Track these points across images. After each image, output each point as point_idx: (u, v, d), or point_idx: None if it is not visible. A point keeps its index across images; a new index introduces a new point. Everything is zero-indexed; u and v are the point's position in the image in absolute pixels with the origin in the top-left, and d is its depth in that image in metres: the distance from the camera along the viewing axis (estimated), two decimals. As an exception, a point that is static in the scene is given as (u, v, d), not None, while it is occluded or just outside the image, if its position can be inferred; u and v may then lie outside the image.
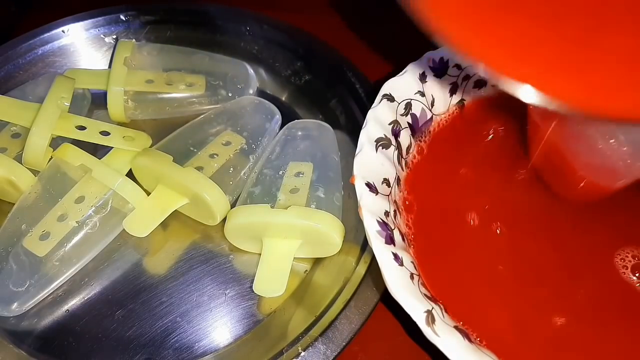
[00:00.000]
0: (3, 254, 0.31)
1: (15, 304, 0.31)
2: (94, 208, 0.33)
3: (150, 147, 0.36)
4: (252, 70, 0.42)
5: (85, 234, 0.33)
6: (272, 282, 0.31)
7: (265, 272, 0.32)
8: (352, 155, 0.30)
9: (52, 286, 0.32)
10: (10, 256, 0.31)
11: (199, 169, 0.34)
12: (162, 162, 0.33)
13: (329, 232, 0.31)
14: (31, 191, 0.33)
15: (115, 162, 0.35)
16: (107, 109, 0.39)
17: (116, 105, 0.39)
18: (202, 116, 0.38)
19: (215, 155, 0.35)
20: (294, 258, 0.33)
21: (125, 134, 0.36)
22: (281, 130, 0.38)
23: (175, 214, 0.35)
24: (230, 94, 0.41)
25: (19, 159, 0.34)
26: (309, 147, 0.36)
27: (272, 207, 0.32)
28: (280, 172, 0.34)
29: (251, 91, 0.41)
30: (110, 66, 0.40)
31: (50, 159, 0.35)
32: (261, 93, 0.43)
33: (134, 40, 0.41)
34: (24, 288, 0.31)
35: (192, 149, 0.35)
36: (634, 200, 0.32)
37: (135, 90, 0.39)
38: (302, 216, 0.31)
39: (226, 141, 0.36)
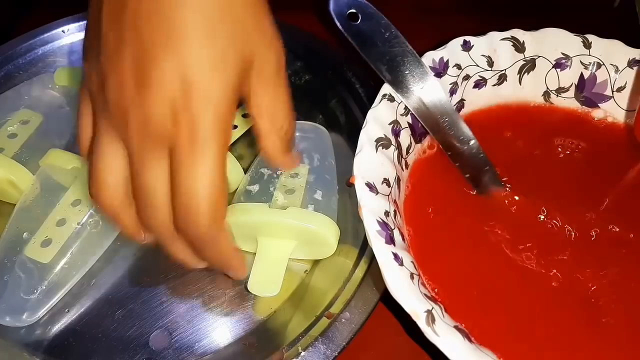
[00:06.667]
0: (8, 265, 0.31)
1: (26, 313, 0.30)
2: (93, 208, 0.33)
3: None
4: None
5: (90, 234, 0.32)
6: (267, 282, 0.32)
7: (260, 272, 0.32)
8: (351, 156, 0.30)
9: (63, 290, 0.32)
10: (16, 266, 0.31)
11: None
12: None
13: (326, 234, 0.31)
14: (26, 199, 0.33)
15: None
16: None
17: None
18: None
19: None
20: (294, 258, 0.33)
21: None
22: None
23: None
24: None
25: (16, 158, 0.34)
26: (305, 149, 0.36)
27: (269, 206, 0.32)
28: (277, 172, 0.34)
29: None
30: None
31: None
32: (261, 93, 0.43)
33: None
34: (35, 295, 0.31)
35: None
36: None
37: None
38: (299, 217, 0.31)
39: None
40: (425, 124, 0.32)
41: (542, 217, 0.32)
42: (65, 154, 0.34)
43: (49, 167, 0.34)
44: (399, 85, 0.32)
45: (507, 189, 0.33)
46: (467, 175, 0.33)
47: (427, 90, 0.32)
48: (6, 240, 0.32)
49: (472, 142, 0.33)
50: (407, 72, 0.32)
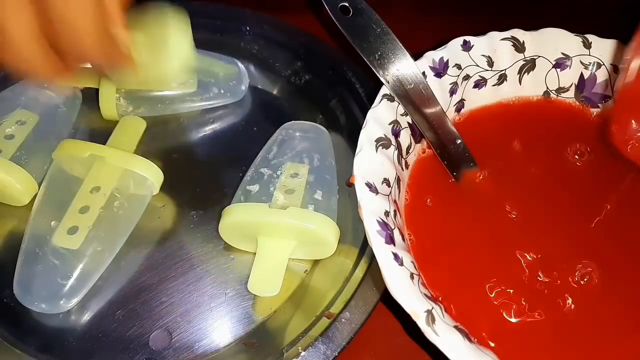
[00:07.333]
0: (40, 254, 0.31)
1: (63, 299, 0.31)
2: (115, 190, 0.33)
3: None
4: (243, 67, 0.42)
5: (116, 216, 0.33)
6: (267, 282, 0.32)
7: (260, 272, 0.32)
8: (351, 156, 0.30)
9: (97, 274, 0.32)
10: (49, 254, 0.31)
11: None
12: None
13: (326, 234, 0.31)
14: (45, 190, 0.34)
15: (122, 143, 0.36)
16: (99, 107, 0.39)
17: (108, 103, 0.38)
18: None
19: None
20: (294, 258, 0.33)
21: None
22: (277, 130, 0.38)
23: (174, 213, 0.35)
24: (222, 91, 0.41)
25: (15, 160, 0.34)
26: (305, 149, 0.36)
27: (269, 206, 0.32)
28: (277, 172, 0.34)
29: (243, 87, 0.41)
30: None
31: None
32: (261, 92, 0.43)
33: None
34: (71, 280, 0.31)
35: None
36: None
37: (127, 89, 0.39)
38: (299, 217, 0.31)
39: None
40: (417, 122, 0.32)
41: (542, 218, 0.32)
42: (79, 142, 0.34)
43: (64, 157, 0.34)
44: (389, 83, 0.32)
45: (493, 183, 0.34)
46: (454, 173, 0.33)
47: (416, 89, 0.32)
48: (34, 231, 0.32)
49: (458, 141, 0.33)
50: (396, 70, 0.32)
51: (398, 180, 0.31)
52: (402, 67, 0.32)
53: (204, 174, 0.38)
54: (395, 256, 0.27)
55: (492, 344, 0.27)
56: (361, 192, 0.28)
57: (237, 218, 0.32)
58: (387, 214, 0.29)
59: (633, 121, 0.32)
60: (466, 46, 0.35)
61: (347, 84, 0.40)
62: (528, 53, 0.36)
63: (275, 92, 0.43)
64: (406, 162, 0.33)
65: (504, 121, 0.37)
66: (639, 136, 0.32)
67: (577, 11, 0.47)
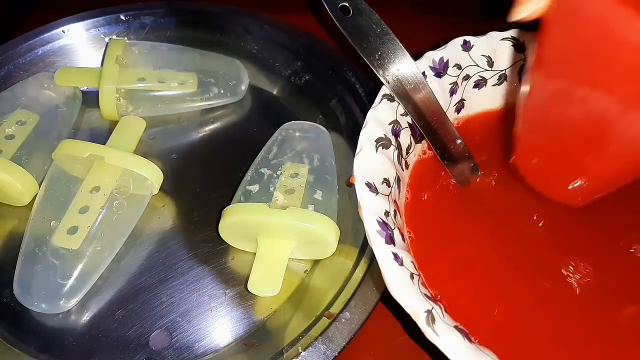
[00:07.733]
0: (40, 254, 0.31)
1: (63, 299, 0.31)
2: (115, 190, 0.33)
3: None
4: (243, 67, 0.42)
5: (116, 216, 0.33)
6: (267, 282, 0.31)
7: (260, 272, 0.32)
8: (351, 156, 0.30)
9: (97, 274, 0.32)
10: (49, 253, 0.31)
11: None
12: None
13: (326, 234, 0.31)
14: (46, 190, 0.34)
15: (122, 143, 0.36)
16: (99, 107, 0.39)
17: (108, 103, 0.39)
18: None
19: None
20: (294, 258, 0.33)
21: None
22: (277, 131, 0.38)
23: (174, 213, 0.35)
24: (222, 91, 0.41)
25: (15, 160, 0.34)
26: (305, 149, 0.36)
27: (269, 206, 0.32)
28: (277, 172, 0.34)
29: (243, 87, 0.41)
30: (102, 65, 0.40)
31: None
32: (261, 92, 0.43)
33: (125, 38, 0.41)
34: (71, 280, 0.31)
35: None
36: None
37: (127, 88, 0.39)
38: (299, 217, 0.31)
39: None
40: (417, 122, 0.32)
41: (544, 218, 0.32)
42: (79, 142, 0.34)
43: (64, 157, 0.34)
44: (389, 83, 0.32)
45: (493, 182, 0.34)
46: (455, 173, 0.33)
47: (416, 89, 0.32)
48: (34, 231, 0.32)
49: (458, 141, 0.33)
50: (396, 70, 0.32)
51: (398, 180, 0.31)
52: (402, 67, 0.32)
53: (204, 174, 0.38)
54: (395, 256, 0.27)
55: (492, 344, 0.27)
56: (361, 192, 0.28)
57: (237, 218, 0.32)
58: (387, 214, 0.29)
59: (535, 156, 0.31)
60: (466, 46, 0.35)
61: (347, 84, 0.40)
62: (528, 53, 0.36)
63: (275, 92, 0.43)
64: (406, 162, 0.33)
65: (504, 122, 0.37)
66: (538, 164, 0.31)
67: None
